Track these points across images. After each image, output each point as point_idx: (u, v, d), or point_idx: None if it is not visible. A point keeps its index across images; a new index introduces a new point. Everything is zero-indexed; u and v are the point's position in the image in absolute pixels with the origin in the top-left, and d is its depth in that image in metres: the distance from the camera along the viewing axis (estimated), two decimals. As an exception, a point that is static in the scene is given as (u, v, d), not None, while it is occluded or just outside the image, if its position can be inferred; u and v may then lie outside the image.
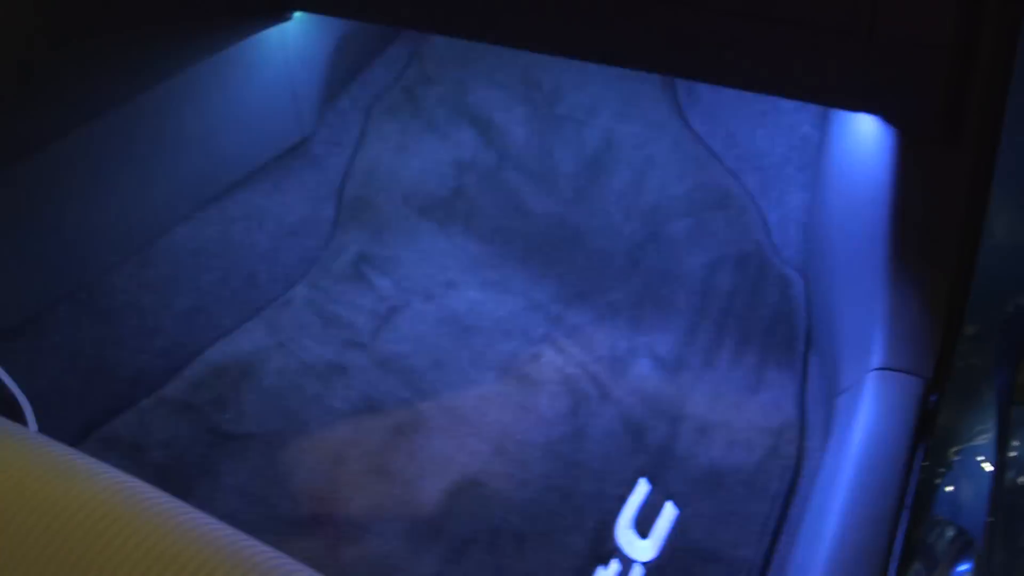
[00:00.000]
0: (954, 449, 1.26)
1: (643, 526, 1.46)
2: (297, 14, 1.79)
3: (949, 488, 1.22)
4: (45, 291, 1.54)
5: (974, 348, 1.32)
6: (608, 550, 1.43)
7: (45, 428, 0.92)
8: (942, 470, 1.24)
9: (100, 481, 0.79)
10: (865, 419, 1.29)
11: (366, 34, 2.11)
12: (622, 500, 1.49)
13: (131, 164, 1.60)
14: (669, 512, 1.47)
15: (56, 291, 1.55)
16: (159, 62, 1.58)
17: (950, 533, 1.20)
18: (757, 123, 1.97)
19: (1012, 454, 1.17)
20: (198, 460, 1.54)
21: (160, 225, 1.68)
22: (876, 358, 1.36)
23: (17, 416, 1.19)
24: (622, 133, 2.04)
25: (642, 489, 1.50)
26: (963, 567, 1.13)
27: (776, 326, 1.73)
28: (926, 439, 1.26)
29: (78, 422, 1.55)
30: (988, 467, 1.16)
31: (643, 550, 1.43)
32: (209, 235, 1.75)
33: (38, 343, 1.52)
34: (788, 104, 1.94)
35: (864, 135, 1.48)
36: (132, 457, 1.52)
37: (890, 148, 1.39)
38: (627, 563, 1.42)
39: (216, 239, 1.76)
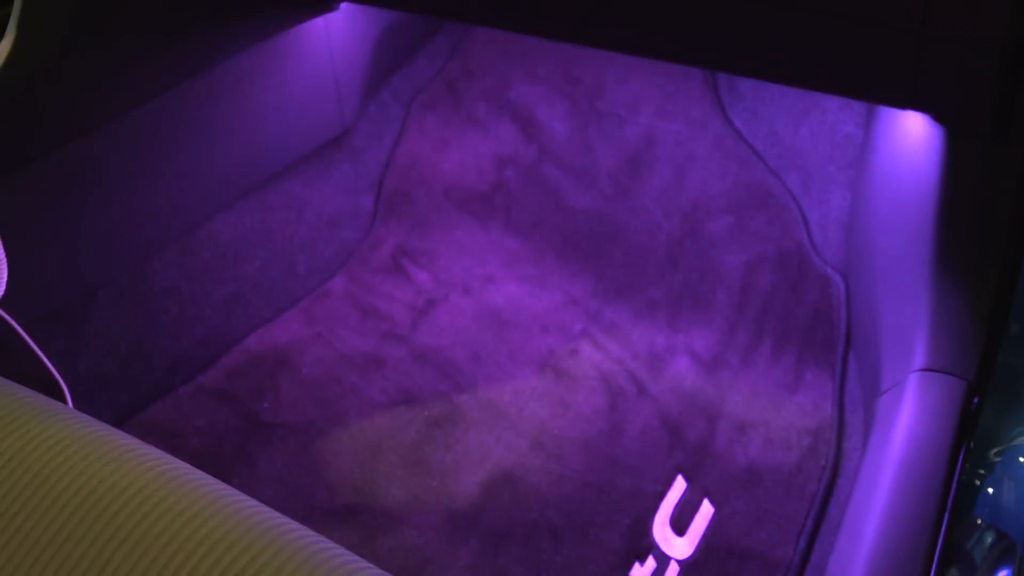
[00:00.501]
0: (995, 450, 1.25)
1: (679, 523, 1.45)
2: (343, 4, 1.79)
3: (990, 490, 1.21)
4: (86, 277, 1.54)
5: (1016, 349, 1.31)
6: (644, 547, 1.42)
7: (83, 412, 0.93)
8: (982, 472, 1.23)
9: (145, 462, 0.79)
10: (907, 421, 1.28)
11: (409, 27, 2.11)
12: (659, 497, 1.48)
13: (173, 152, 1.61)
14: (706, 510, 1.47)
15: (97, 277, 1.56)
16: (204, 51, 1.58)
17: (989, 538, 1.19)
18: (800, 121, 1.96)
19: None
20: (235, 448, 1.54)
21: (201, 213, 1.69)
22: (919, 359, 1.35)
23: (56, 400, 1.20)
24: (663, 130, 2.03)
25: (679, 486, 1.50)
26: (1002, 573, 1.13)
27: (816, 326, 1.72)
28: (968, 441, 1.25)
29: (116, 407, 1.56)
30: (1031, 469, 1.15)
31: (679, 547, 1.43)
32: (249, 225, 1.76)
33: (78, 328, 1.53)
34: (831, 102, 1.93)
35: (910, 133, 1.47)
36: (169, 443, 1.53)
37: (937, 146, 1.38)
38: (663, 560, 1.41)
39: (256, 229, 1.77)
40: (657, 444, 1.55)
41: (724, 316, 1.75)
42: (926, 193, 1.39)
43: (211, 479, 0.79)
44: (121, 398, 1.57)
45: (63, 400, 1.30)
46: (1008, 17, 1.18)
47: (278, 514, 0.77)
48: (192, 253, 1.67)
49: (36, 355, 1.30)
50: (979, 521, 1.20)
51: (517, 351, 1.70)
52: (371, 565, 0.73)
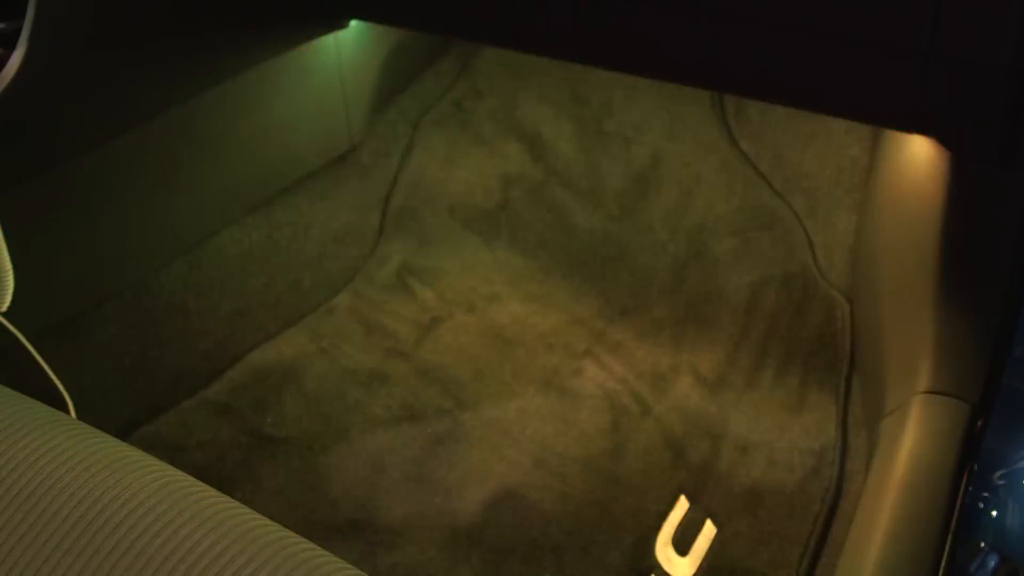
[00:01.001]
0: (999, 473, 1.24)
1: (682, 543, 1.45)
2: (353, 22, 1.80)
3: (993, 513, 1.21)
4: (91, 289, 1.55)
5: (1021, 372, 1.31)
6: (647, 566, 1.42)
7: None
8: (986, 495, 1.23)
9: (147, 473, 0.79)
10: (910, 443, 1.27)
11: (418, 46, 2.11)
12: (661, 516, 1.48)
13: (181, 166, 1.61)
14: (709, 530, 1.47)
15: (102, 290, 1.56)
16: (215, 66, 1.59)
17: (993, 561, 1.18)
18: (806, 145, 1.96)
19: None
20: (238, 462, 1.54)
21: (208, 228, 1.69)
22: (922, 381, 1.35)
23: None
24: (670, 151, 2.04)
25: (682, 506, 1.49)
26: (1006, 597, 1.12)
27: (820, 348, 1.72)
28: (971, 464, 1.25)
29: (120, 420, 1.56)
30: (1035, 492, 1.15)
31: (681, 568, 1.43)
32: (256, 240, 1.76)
33: (83, 341, 1.53)
34: (837, 126, 1.93)
35: (916, 157, 1.47)
36: (172, 457, 1.53)
37: (943, 170, 1.38)
38: (665, 580, 1.41)
39: (262, 244, 1.77)
40: (660, 464, 1.55)
41: (728, 337, 1.76)
42: (931, 217, 1.40)
43: (213, 491, 0.79)
44: (125, 411, 1.57)
45: (66, 412, 1.30)
46: (1016, 41, 1.19)
47: (280, 527, 0.77)
48: (198, 267, 1.68)
49: (40, 367, 1.30)
50: (982, 544, 1.20)
51: (521, 369, 1.70)
52: (372, 579, 0.73)
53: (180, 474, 0.81)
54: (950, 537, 1.17)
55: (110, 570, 0.72)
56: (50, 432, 0.82)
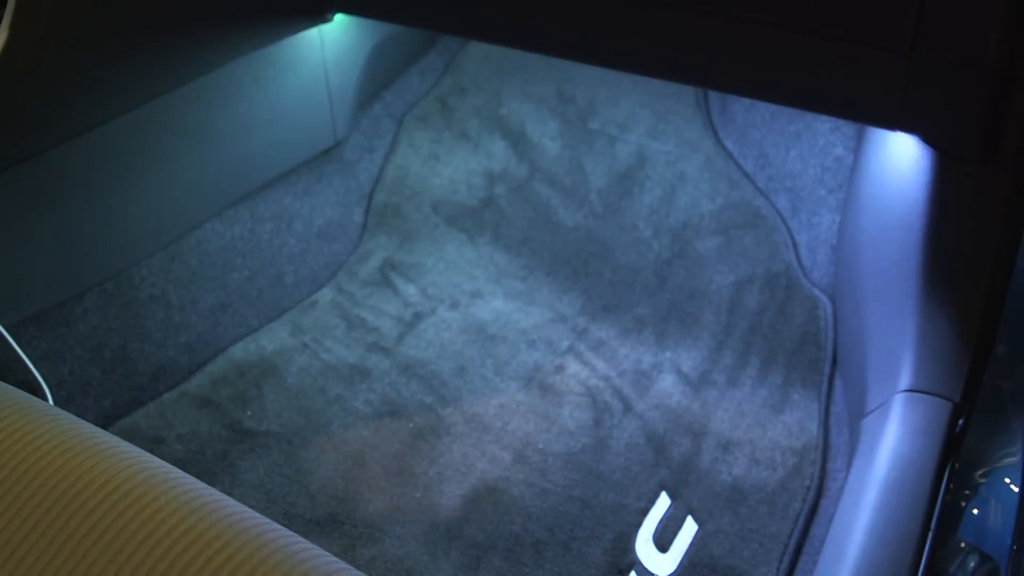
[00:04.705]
0: (980, 472, 1.24)
1: (663, 540, 1.45)
2: (338, 16, 1.79)
3: (975, 511, 1.21)
4: (73, 280, 1.54)
5: (1003, 369, 1.31)
6: (627, 563, 1.42)
7: (65, 415, 0.92)
8: (968, 493, 1.22)
9: (124, 459, 0.79)
10: (891, 441, 1.27)
11: (402, 41, 2.11)
12: (643, 513, 1.48)
13: (164, 158, 1.61)
14: (689, 527, 1.46)
15: (84, 281, 1.55)
16: (198, 57, 1.58)
17: (973, 561, 1.18)
18: (790, 144, 1.96)
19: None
20: (218, 456, 1.53)
21: (190, 220, 1.69)
22: (904, 380, 1.35)
23: (39, 403, 1.19)
24: (654, 150, 2.04)
25: (663, 503, 1.49)
26: (985, 596, 1.12)
27: (802, 347, 1.72)
28: (953, 462, 1.25)
29: (99, 412, 1.55)
30: (1016, 489, 1.14)
31: (662, 564, 1.42)
32: (238, 233, 1.75)
33: (63, 331, 1.53)
34: (822, 125, 1.94)
35: (899, 155, 1.47)
36: (152, 449, 1.52)
37: (926, 168, 1.38)
38: (645, 576, 1.41)
39: (245, 238, 1.76)
40: (642, 460, 1.55)
41: (711, 335, 1.75)
42: (914, 215, 1.40)
43: (190, 479, 0.79)
44: (104, 403, 1.56)
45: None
46: (998, 41, 1.19)
47: (257, 515, 0.76)
48: (180, 260, 1.67)
49: (18, 357, 1.29)
50: (963, 544, 1.20)
51: (503, 365, 1.70)
52: (349, 566, 0.73)
53: (157, 461, 0.80)
54: (930, 535, 1.17)
55: (83, 555, 0.72)
56: (26, 418, 0.82)
